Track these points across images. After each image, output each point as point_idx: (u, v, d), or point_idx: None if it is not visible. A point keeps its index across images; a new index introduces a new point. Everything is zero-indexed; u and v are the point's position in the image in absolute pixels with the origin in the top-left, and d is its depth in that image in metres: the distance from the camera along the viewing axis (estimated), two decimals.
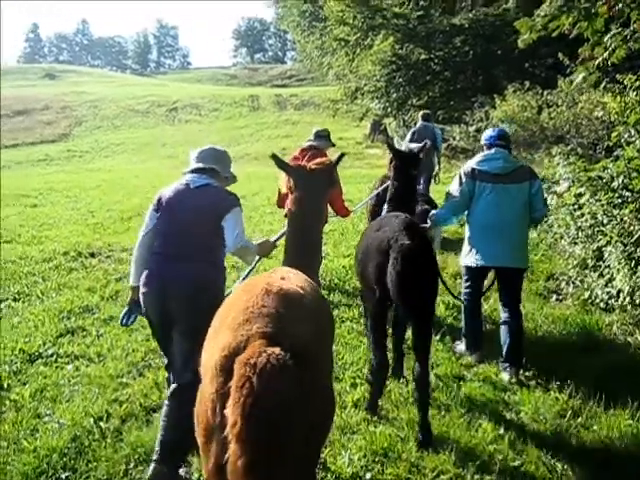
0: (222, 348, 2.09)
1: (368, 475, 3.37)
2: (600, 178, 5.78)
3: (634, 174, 5.32)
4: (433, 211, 5.05)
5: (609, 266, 5.61)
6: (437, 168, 9.98)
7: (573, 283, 6.38)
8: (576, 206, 6.37)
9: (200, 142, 4.11)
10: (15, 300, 6.33)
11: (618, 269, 5.38)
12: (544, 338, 5.32)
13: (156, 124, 32.39)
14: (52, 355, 4.99)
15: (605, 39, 5.61)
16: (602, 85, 8.45)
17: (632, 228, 5.22)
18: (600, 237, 5.78)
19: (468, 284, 4.96)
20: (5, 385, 4.46)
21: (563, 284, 6.53)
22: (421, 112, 10.71)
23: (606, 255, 5.64)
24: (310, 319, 2.35)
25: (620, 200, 5.47)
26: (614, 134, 5.95)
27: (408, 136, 9.96)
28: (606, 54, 5.61)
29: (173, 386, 3.38)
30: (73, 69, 60.94)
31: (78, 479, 3.37)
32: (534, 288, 6.48)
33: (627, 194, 5.40)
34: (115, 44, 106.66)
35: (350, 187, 11.58)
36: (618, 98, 5.94)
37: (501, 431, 3.77)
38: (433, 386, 4.29)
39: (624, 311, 5.44)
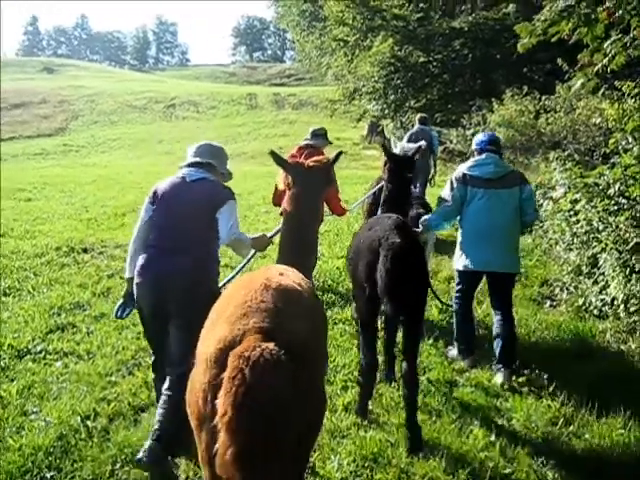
0: (218, 340, 2.11)
1: None
2: (596, 185, 5.77)
3: (631, 181, 5.31)
4: (425, 217, 5.05)
5: (604, 273, 5.60)
6: (433, 171, 9.99)
7: (567, 289, 6.37)
8: (572, 212, 6.36)
9: (197, 139, 4.09)
10: (5, 295, 6.26)
11: (613, 276, 5.37)
12: (537, 344, 5.30)
13: (153, 120, 32.33)
14: (41, 351, 4.93)
15: (605, 45, 5.58)
16: (600, 92, 8.45)
17: (627, 236, 5.21)
18: (595, 244, 5.77)
19: (459, 288, 4.96)
20: None
21: (557, 290, 6.52)
22: (418, 115, 10.70)
23: (601, 262, 5.63)
24: (307, 316, 2.37)
25: (616, 207, 5.46)
26: (611, 141, 5.94)
27: (405, 138, 9.94)
28: (605, 60, 5.59)
29: (170, 378, 3.35)
30: (71, 63, 60.74)
31: (63, 479, 3.32)
32: (528, 294, 6.46)
33: (623, 201, 5.39)
34: (114, 39, 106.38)
35: (346, 188, 11.56)
36: (616, 105, 5.94)
37: (492, 438, 3.74)
38: (425, 391, 4.27)
39: (618, 318, 5.42)
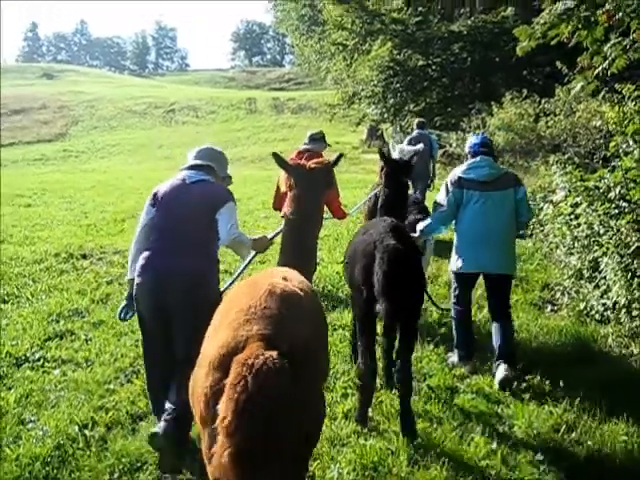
0: (221, 346, 2.13)
1: None
2: (597, 188, 5.72)
3: (631, 185, 5.27)
4: (421, 223, 5.04)
5: (605, 277, 5.55)
6: (432, 175, 9.97)
7: (568, 294, 6.33)
8: (572, 216, 6.32)
9: (197, 144, 4.09)
10: (4, 302, 6.23)
11: (614, 280, 5.32)
12: (538, 349, 5.25)
13: (153, 125, 32.40)
14: (39, 359, 4.90)
15: (605, 48, 5.56)
16: (600, 94, 8.43)
17: (629, 239, 5.17)
18: (596, 248, 5.72)
19: (457, 292, 4.96)
20: None
21: (558, 294, 6.48)
22: (416, 120, 10.69)
23: (602, 266, 5.58)
24: (309, 322, 2.38)
25: (617, 211, 5.42)
26: (612, 144, 5.90)
27: (405, 142, 9.93)
28: (605, 64, 5.57)
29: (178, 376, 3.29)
30: (71, 69, 60.91)
31: None
32: (529, 298, 6.42)
33: (624, 205, 5.35)
34: (113, 45, 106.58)
35: (346, 192, 11.52)
36: (616, 108, 5.90)
37: (494, 445, 3.69)
38: (425, 398, 4.24)
39: (620, 323, 5.38)
